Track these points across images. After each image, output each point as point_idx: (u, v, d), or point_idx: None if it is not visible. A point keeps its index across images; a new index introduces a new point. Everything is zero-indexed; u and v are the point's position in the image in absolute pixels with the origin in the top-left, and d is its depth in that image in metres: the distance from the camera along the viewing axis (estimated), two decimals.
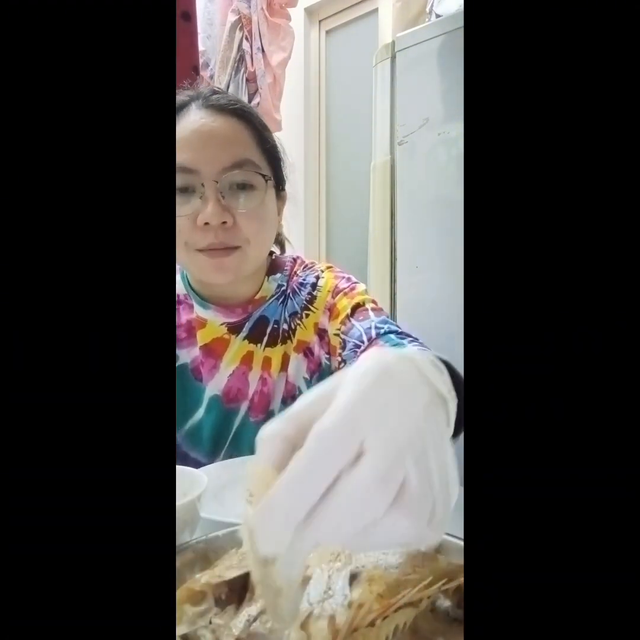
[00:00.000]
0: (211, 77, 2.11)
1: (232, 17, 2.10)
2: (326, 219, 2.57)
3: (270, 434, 0.29)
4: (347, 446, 0.26)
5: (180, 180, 0.71)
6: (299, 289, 0.84)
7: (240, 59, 2.12)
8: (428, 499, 0.27)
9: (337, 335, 0.79)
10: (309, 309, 0.83)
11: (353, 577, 0.37)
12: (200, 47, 1.88)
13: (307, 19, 2.53)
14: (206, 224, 0.70)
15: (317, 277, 0.85)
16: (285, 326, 0.83)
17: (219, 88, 0.83)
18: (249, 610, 0.35)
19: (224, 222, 0.71)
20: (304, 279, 0.85)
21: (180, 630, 0.34)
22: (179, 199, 0.71)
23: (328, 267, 0.87)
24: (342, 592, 0.35)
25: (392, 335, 0.72)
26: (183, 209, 0.71)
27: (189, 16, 1.59)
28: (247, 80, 2.13)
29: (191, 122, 0.73)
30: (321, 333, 0.82)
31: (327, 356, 0.82)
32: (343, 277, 0.85)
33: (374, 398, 0.28)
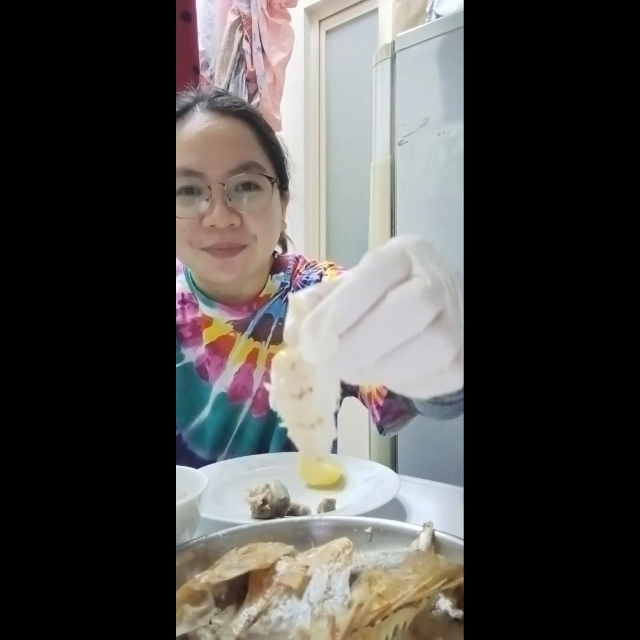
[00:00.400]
0: (211, 77, 2.11)
1: (232, 17, 2.10)
2: (326, 219, 2.57)
3: (304, 293, 0.30)
4: (398, 266, 0.28)
5: (186, 182, 0.71)
6: (303, 287, 0.84)
7: (240, 59, 2.11)
8: (458, 336, 0.28)
9: None
10: None
11: (353, 577, 0.37)
12: (200, 47, 1.88)
13: (307, 19, 2.53)
14: (212, 226, 0.70)
15: (321, 275, 0.85)
16: None
17: (222, 90, 0.84)
18: (249, 610, 0.35)
19: (232, 224, 0.71)
20: (307, 277, 0.85)
21: (180, 630, 0.34)
22: (184, 201, 0.71)
23: (330, 265, 0.88)
24: (342, 592, 0.35)
25: None
26: (188, 211, 0.71)
27: (189, 16, 1.59)
28: (247, 80, 2.13)
29: (196, 124, 0.73)
30: None
31: None
32: None
33: (419, 243, 0.31)
